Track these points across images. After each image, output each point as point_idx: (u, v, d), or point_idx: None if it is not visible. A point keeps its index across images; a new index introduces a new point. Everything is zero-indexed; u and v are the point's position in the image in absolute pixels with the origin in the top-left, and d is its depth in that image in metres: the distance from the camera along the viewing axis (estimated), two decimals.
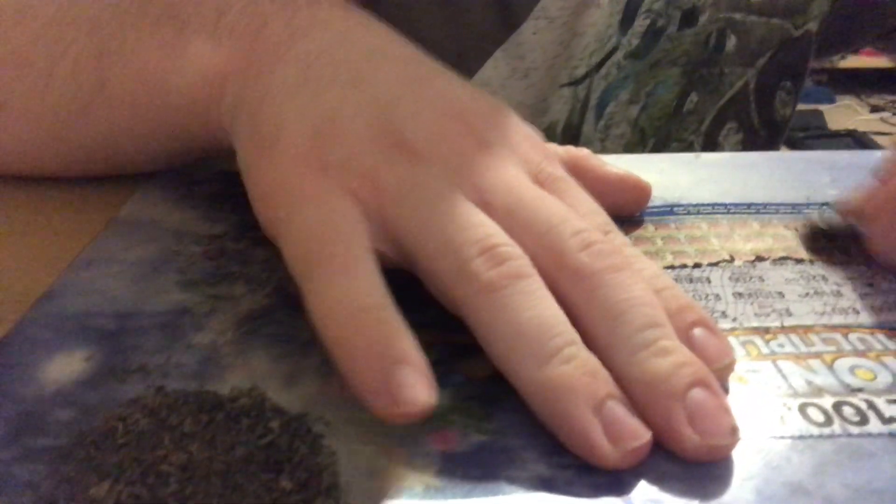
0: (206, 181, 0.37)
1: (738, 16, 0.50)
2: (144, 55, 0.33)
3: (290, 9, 0.32)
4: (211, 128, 0.32)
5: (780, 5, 0.51)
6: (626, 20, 0.49)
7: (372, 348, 0.22)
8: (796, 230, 0.33)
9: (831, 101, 2.76)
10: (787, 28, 0.52)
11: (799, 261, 0.31)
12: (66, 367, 0.25)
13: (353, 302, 0.23)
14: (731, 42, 0.51)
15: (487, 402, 0.24)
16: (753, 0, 0.50)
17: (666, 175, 0.37)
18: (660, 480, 0.21)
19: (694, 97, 0.51)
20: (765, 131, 0.55)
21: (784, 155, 0.45)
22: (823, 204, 0.35)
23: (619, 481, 0.21)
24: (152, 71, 0.33)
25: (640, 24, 0.49)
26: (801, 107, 0.62)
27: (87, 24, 0.34)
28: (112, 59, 0.33)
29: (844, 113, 2.71)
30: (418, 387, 0.22)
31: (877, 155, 0.35)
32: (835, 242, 0.32)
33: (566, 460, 0.22)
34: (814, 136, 2.43)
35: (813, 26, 0.53)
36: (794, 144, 2.21)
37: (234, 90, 0.31)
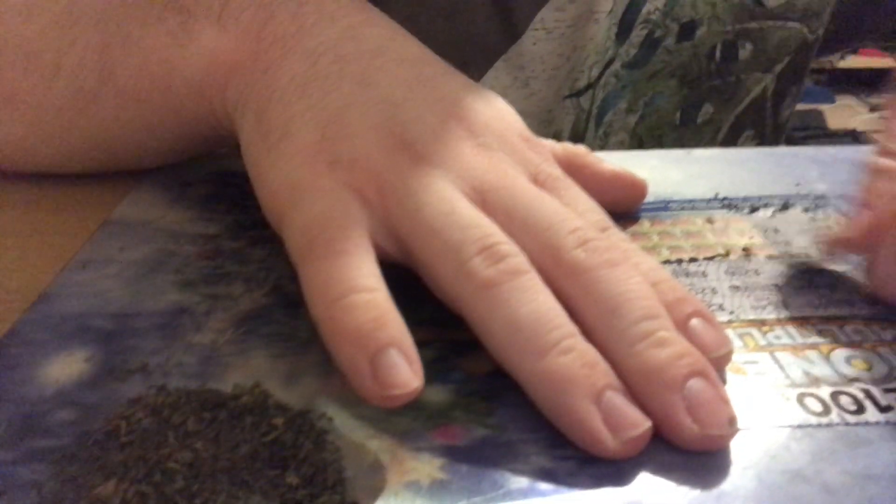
0: (199, 182, 0.37)
1: (752, 24, 0.50)
2: (149, 45, 0.33)
3: (297, 0, 0.32)
4: (216, 117, 0.32)
5: (798, 8, 0.51)
6: (623, 30, 0.49)
7: (360, 329, 0.22)
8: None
9: (831, 101, 2.76)
10: (804, 32, 0.52)
11: (793, 254, 0.31)
12: (66, 367, 0.25)
13: (345, 283, 0.24)
14: (746, 50, 0.51)
15: (489, 397, 0.24)
16: (770, 5, 0.50)
17: (658, 171, 0.37)
18: (660, 471, 0.21)
19: (709, 108, 0.52)
20: (773, 134, 0.55)
21: (773, 150, 0.45)
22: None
23: (621, 472, 0.21)
24: (157, 60, 0.33)
25: (637, 34, 0.49)
26: (801, 107, 0.62)
27: (93, 17, 0.34)
28: (117, 50, 0.34)
29: (844, 113, 2.71)
30: (405, 370, 0.22)
31: (863, 150, 0.32)
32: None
33: (567, 452, 0.22)
34: (814, 135, 2.43)
35: (822, 31, 0.53)
36: (794, 144, 2.20)
37: (239, 82, 0.31)
